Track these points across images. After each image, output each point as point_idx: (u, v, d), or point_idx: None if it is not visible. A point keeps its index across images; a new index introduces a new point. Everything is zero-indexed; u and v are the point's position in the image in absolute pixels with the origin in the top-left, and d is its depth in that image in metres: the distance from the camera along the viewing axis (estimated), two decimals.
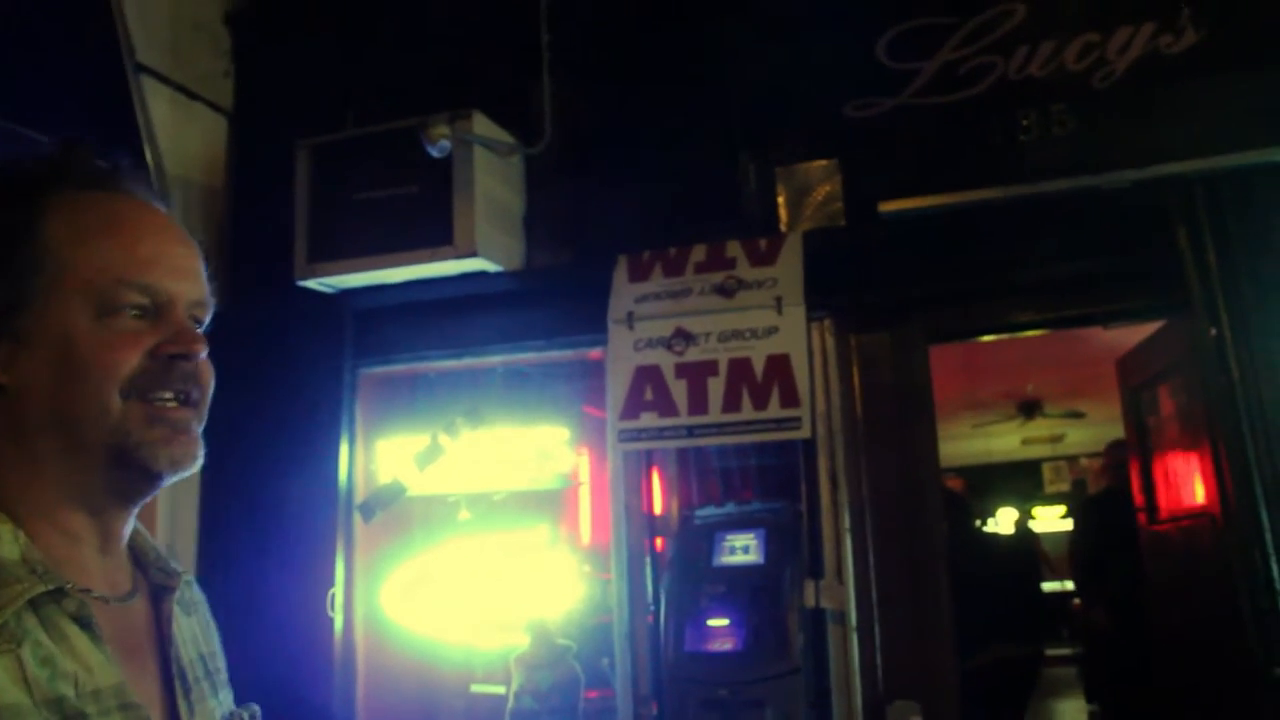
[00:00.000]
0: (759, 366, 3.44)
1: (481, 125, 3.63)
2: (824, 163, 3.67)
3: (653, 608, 3.60)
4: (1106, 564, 5.58)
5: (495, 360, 4.00)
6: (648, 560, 3.64)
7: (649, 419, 3.49)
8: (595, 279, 3.69)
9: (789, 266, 3.50)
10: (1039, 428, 11.44)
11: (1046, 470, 14.19)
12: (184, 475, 1.11)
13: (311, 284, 3.78)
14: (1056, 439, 12.09)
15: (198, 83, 4.03)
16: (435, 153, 3.44)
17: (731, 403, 3.43)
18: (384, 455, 4.04)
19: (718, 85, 3.79)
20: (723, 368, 3.47)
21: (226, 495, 3.86)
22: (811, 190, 3.66)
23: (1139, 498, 4.57)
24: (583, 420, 4.29)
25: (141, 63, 3.74)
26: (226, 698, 1.26)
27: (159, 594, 1.19)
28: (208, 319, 1.18)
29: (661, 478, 3.87)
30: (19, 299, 1.06)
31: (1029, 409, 10.51)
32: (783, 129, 3.73)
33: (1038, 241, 3.45)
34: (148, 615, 1.16)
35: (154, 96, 3.80)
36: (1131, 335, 4.52)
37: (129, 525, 1.16)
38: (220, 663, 1.29)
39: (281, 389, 3.91)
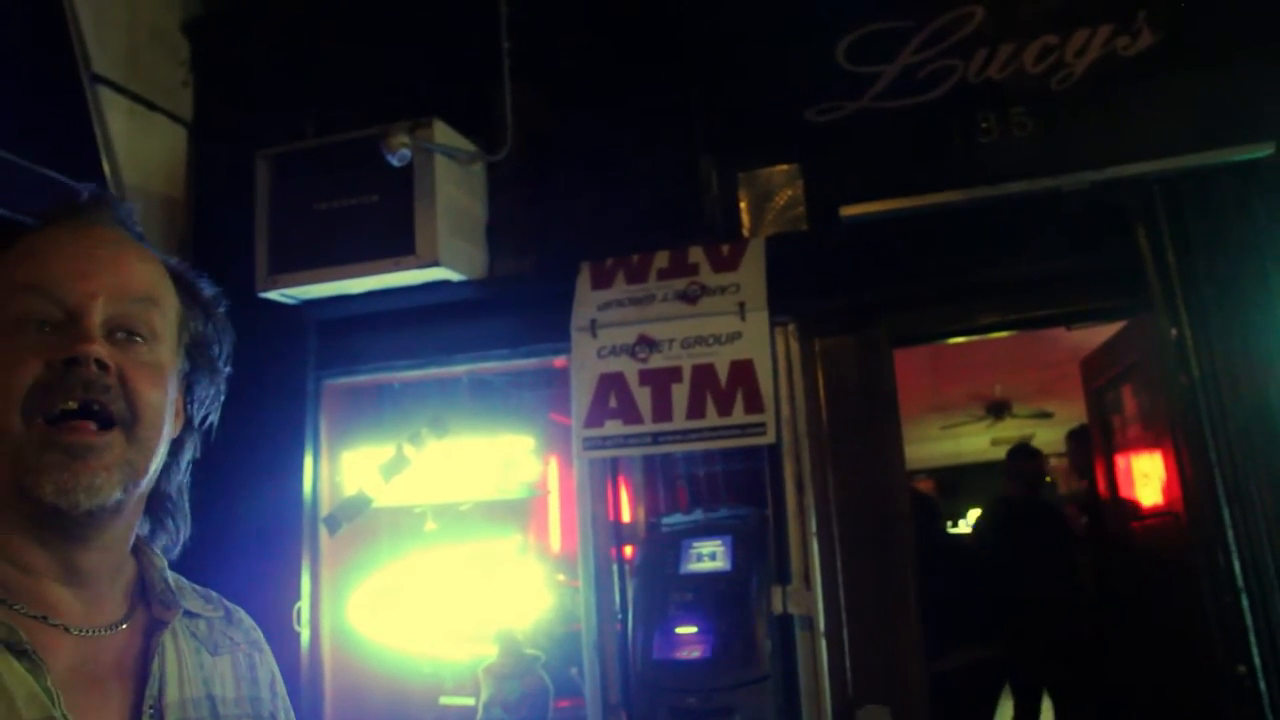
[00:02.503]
0: (723, 372, 3.43)
1: (442, 133, 3.61)
2: (786, 167, 3.67)
3: (621, 616, 3.58)
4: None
5: (460, 369, 3.97)
6: (615, 568, 3.62)
7: (613, 426, 3.48)
8: (558, 287, 3.67)
9: (752, 272, 3.50)
10: (1008, 428, 11.45)
11: None
12: (91, 506, 1.02)
13: (273, 295, 3.74)
14: (1026, 439, 12.12)
15: (156, 93, 3.99)
16: (395, 162, 3.41)
17: (696, 409, 3.42)
18: (349, 467, 4.01)
19: (679, 91, 3.79)
20: (686, 374, 3.45)
21: (189, 509, 3.81)
22: (774, 195, 3.66)
23: (1104, 496, 4.59)
24: (549, 428, 4.26)
25: (98, 73, 3.69)
26: None
27: (155, 627, 1.13)
28: (157, 322, 1.10)
29: (628, 485, 3.85)
30: None
31: (998, 410, 10.53)
32: (744, 134, 3.73)
33: (999, 243, 3.46)
34: (136, 647, 1.11)
35: (111, 107, 3.76)
36: (1096, 336, 4.54)
37: (97, 564, 1.09)
38: (259, 709, 1.23)
39: (244, 401, 3.80)
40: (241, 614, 1.30)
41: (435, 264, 3.51)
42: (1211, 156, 3.24)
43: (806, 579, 3.39)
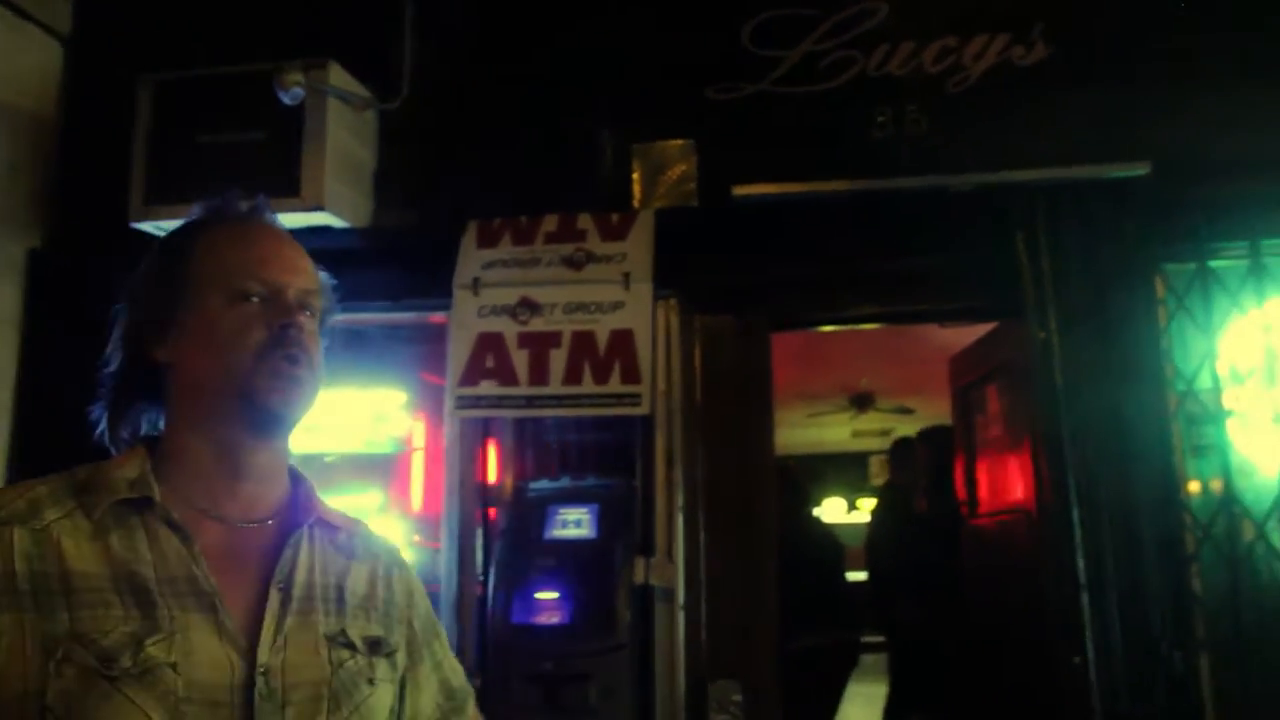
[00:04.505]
0: (602, 341, 3.43)
1: (337, 76, 3.52)
2: (681, 142, 3.67)
3: (482, 578, 3.56)
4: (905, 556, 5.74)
5: (335, 319, 3.87)
6: (479, 530, 3.60)
7: (489, 387, 3.45)
8: (443, 242, 3.61)
9: (639, 243, 3.50)
10: (870, 421, 11.71)
11: (874, 463, 14.57)
12: (298, 416, 1.41)
13: (147, 226, 3.60)
14: (885, 433, 12.39)
15: (30, 1, 3.78)
16: (288, 100, 3.31)
17: (573, 375, 3.41)
18: None
19: (580, 58, 3.76)
20: (566, 340, 3.44)
21: (57, 446, 3.66)
22: (667, 168, 3.66)
23: (962, 492, 4.73)
24: (421, 386, 4.21)
25: None
26: (368, 626, 1.43)
27: (294, 528, 1.41)
28: (320, 301, 1.49)
29: (497, 448, 3.82)
30: (179, 301, 1.39)
31: (862, 402, 10.76)
32: (642, 106, 3.72)
33: (885, 236, 3.52)
34: (276, 540, 1.39)
35: None
36: (963, 335, 4.67)
37: (265, 463, 1.42)
38: (391, 610, 1.49)
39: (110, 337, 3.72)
40: (384, 538, 1.60)
41: (320, 209, 3.43)
42: (1091, 171, 3.36)
43: (670, 552, 3.41)
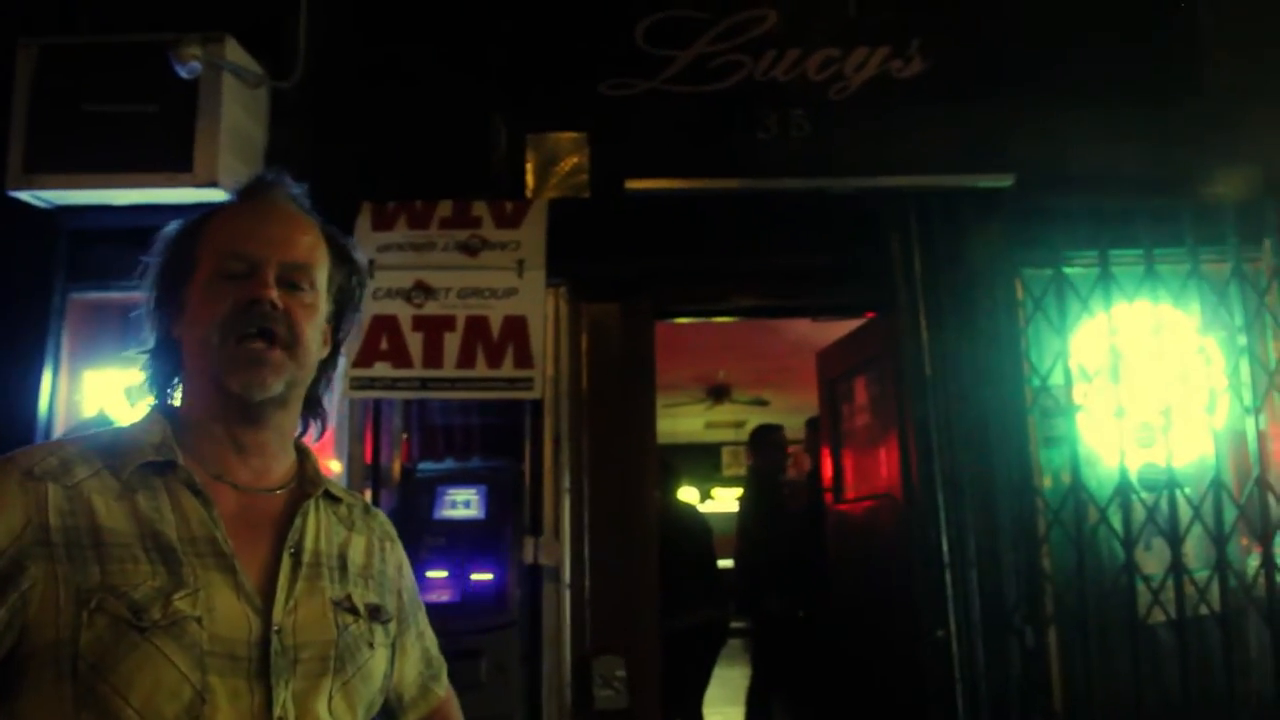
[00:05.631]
0: (496, 326, 3.50)
1: (233, 51, 3.49)
2: (574, 135, 3.77)
3: None
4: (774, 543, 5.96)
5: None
6: None
7: (382, 369, 3.49)
8: (337, 223, 3.57)
9: (532, 231, 3.58)
10: (724, 413, 11.93)
11: (725, 454, 14.92)
12: (262, 397, 1.41)
13: (24, 195, 3.51)
14: (738, 424, 12.67)
15: None
16: (185, 73, 3.28)
17: (466, 359, 3.47)
18: (91, 387, 3.81)
19: (478, 46, 3.82)
20: (460, 324, 3.50)
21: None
22: (560, 160, 3.76)
23: (828, 479, 4.96)
24: None
25: None
26: (366, 594, 1.49)
27: (302, 498, 1.47)
28: (317, 274, 1.49)
29: (386, 429, 3.85)
30: (186, 280, 1.44)
31: (718, 393, 10.98)
32: (538, 97, 3.80)
33: (766, 234, 3.70)
34: (286, 508, 1.45)
35: None
36: (824, 331, 4.90)
37: (264, 441, 1.46)
38: (384, 581, 1.54)
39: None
40: (378, 511, 1.65)
41: (214, 185, 3.39)
42: (961, 180, 3.60)
43: (557, 532, 3.52)
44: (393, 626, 1.53)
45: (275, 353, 1.41)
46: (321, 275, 1.51)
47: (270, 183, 1.56)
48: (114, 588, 1.24)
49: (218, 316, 1.39)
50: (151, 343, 1.50)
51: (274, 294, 1.41)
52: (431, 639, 1.69)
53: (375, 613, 1.48)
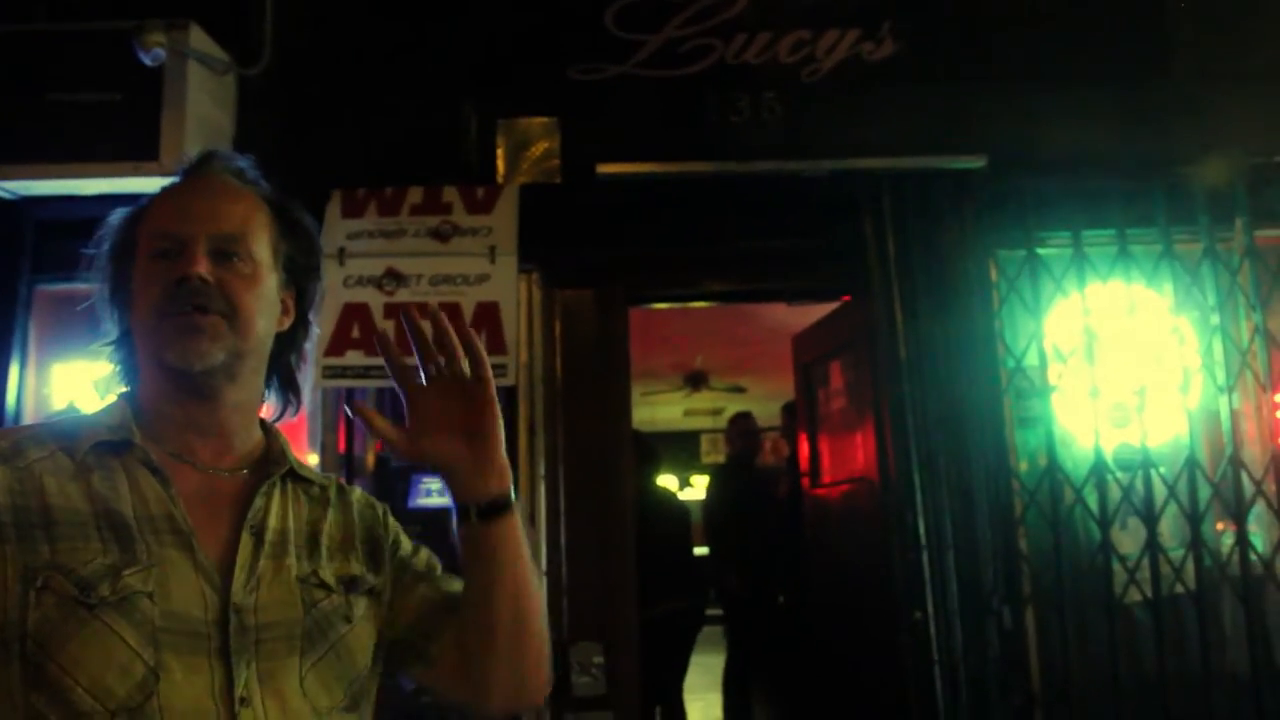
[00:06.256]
0: (469, 312, 3.47)
1: (198, 38, 3.44)
2: (545, 120, 3.74)
3: None
4: (739, 529, 5.97)
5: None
6: None
7: (355, 357, 3.46)
8: (308, 211, 3.58)
9: (504, 217, 3.55)
10: (702, 400, 11.91)
11: (704, 441, 14.93)
12: (202, 367, 1.38)
13: None
14: (716, 412, 12.66)
15: None
16: (149, 61, 3.24)
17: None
18: (60, 380, 3.76)
19: (446, 30, 3.79)
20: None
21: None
22: (530, 145, 3.73)
23: (804, 464, 4.95)
24: None
25: None
26: (346, 566, 1.48)
27: (266, 478, 1.45)
28: (252, 245, 1.45)
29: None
30: (131, 265, 1.44)
31: (696, 380, 10.96)
32: (507, 82, 3.77)
33: (739, 218, 3.68)
34: (249, 488, 1.43)
35: None
36: (800, 316, 4.89)
37: (220, 420, 1.45)
38: (375, 540, 1.56)
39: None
40: (356, 489, 1.65)
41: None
42: (934, 161, 3.59)
43: (532, 519, 3.50)
44: (387, 594, 1.53)
45: (210, 318, 1.39)
46: (260, 244, 1.48)
47: (206, 158, 1.54)
48: (62, 565, 1.24)
49: (153, 299, 1.39)
50: (114, 334, 1.50)
51: (202, 269, 1.39)
52: (437, 564, 1.67)
53: (353, 584, 1.47)
